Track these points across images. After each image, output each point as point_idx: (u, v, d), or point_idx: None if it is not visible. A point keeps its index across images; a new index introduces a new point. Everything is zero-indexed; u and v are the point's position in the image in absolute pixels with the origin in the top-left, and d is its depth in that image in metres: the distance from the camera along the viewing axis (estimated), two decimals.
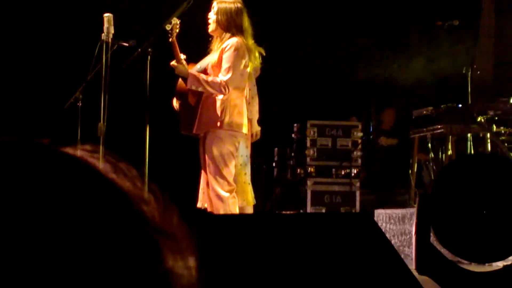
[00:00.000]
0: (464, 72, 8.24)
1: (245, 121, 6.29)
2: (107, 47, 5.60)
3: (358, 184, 10.01)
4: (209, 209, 6.10)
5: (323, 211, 9.71)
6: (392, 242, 6.47)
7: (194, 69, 6.34)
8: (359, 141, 10.11)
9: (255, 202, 6.52)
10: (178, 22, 6.11)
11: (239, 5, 6.31)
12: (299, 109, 10.86)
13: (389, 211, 7.71)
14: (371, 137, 10.88)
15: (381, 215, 7.69)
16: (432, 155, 8.68)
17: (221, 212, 6.04)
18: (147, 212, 0.71)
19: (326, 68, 11.27)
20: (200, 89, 6.22)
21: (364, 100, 11.32)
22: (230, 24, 6.26)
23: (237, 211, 6.19)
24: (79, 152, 0.73)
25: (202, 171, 6.35)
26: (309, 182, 9.92)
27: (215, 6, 6.32)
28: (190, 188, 6.76)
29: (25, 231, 0.65)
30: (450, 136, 8.22)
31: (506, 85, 9.11)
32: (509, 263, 4.35)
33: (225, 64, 6.21)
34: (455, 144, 8.30)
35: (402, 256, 4.30)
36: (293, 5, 11.20)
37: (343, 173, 10.03)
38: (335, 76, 11.25)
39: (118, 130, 6.48)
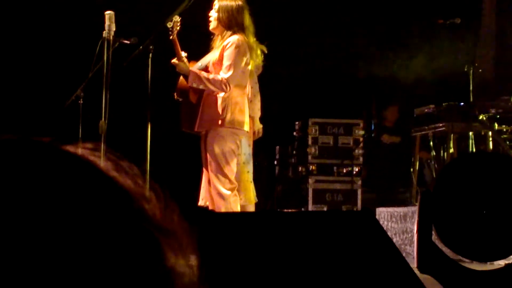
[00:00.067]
0: (465, 70, 8.24)
1: (246, 119, 6.29)
2: (108, 45, 5.59)
3: (359, 182, 10.01)
4: (210, 207, 6.10)
5: (325, 209, 9.72)
6: (394, 240, 6.46)
7: (195, 66, 6.34)
8: (361, 139, 10.11)
9: (257, 200, 6.51)
10: (179, 20, 6.11)
11: (240, 3, 6.30)
12: (301, 107, 10.85)
13: (390, 209, 7.70)
14: (372, 135, 10.87)
15: (383, 213, 7.69)
16: (434, 153, 8.68)
17: (223, 210, 6.04)
18: (148, 210, 0.71)
19: (328, 66, 11.26)
20: (201, 86, 6.22)
21: (365, 98, 11.32)
22: (231, 22, 6.26)
23: (238, 209, 6.19)
24: (80, 150, 0.73)
25: (204, 169, 6.35)
26: (310, 180, 9.92)
27: (216, 4, 6.32)
28: (192, 186, 6.76)
29: (26, 229, 0.65)
30: (452, 134, 8.22)
31: (508, 84, 9.10)
32: (511, 261, 4.36)
33: (226, 62, 6.21)
34: (456, 142, 8.30)
35: (404, 254, 4.31)
36: (295, 4, 11.20)
37: (344, 171, 10.03)
38: (337, 74, 11.24)
39: (120, 128, 6.48)
